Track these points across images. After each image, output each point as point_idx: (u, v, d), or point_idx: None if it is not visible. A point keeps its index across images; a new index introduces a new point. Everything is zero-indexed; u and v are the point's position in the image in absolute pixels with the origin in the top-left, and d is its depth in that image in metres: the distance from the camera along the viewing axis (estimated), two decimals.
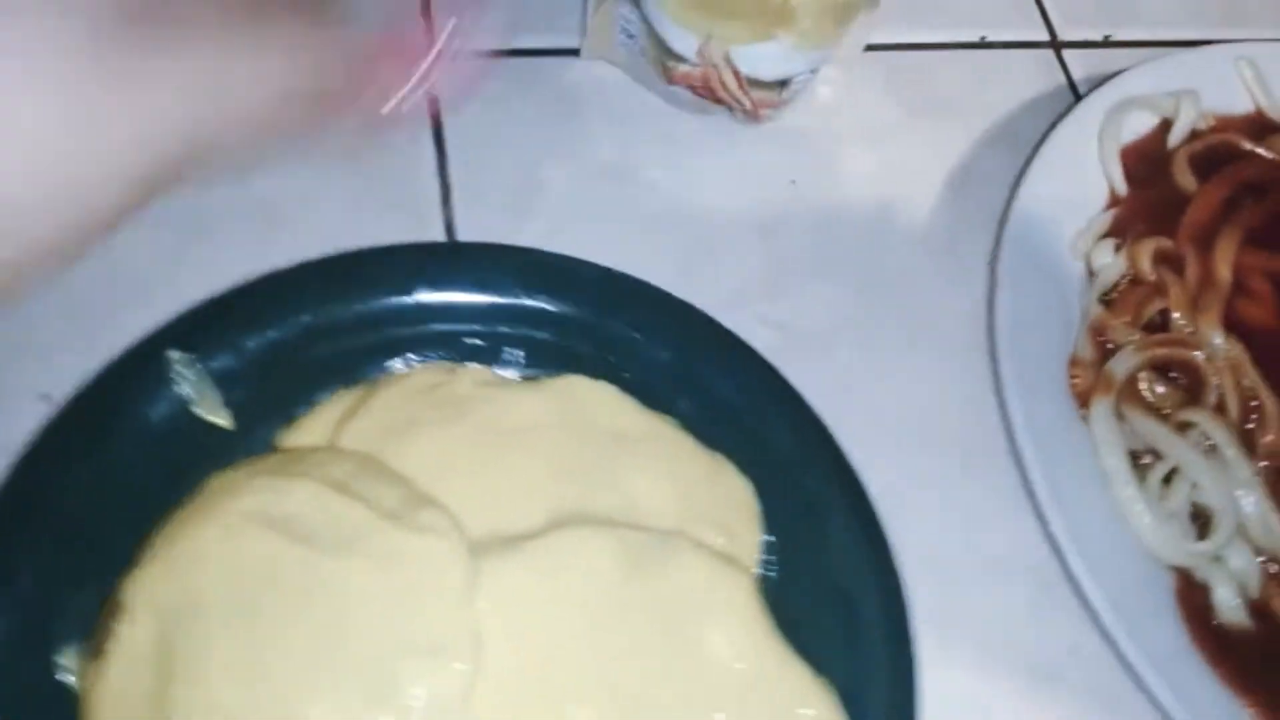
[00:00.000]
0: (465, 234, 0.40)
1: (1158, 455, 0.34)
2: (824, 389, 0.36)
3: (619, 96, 0.43)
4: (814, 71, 0.41)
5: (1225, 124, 0.42)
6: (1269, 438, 0.34)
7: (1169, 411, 0.35)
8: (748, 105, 0.41)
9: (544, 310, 0.36)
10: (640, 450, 0.34)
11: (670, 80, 0.41)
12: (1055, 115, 0.44)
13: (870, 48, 0.44)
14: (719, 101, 0.41)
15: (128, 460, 0.32)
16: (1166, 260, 0.37)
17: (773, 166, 0.43)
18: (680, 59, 0.40)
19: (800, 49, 0.39)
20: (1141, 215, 0.38)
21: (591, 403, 0.35)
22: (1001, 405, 0.35)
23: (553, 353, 0.36)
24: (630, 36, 0.41)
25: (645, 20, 0.40)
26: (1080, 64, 0.48)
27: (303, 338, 0.35)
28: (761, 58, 0.39)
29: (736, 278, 0.40)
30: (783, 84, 0.41)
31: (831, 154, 0.44)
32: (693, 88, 0.41)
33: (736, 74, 0.40)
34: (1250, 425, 0.35)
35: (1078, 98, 0.46)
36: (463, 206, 0.40)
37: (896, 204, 0.42)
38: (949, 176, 0.43)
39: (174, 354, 0.33)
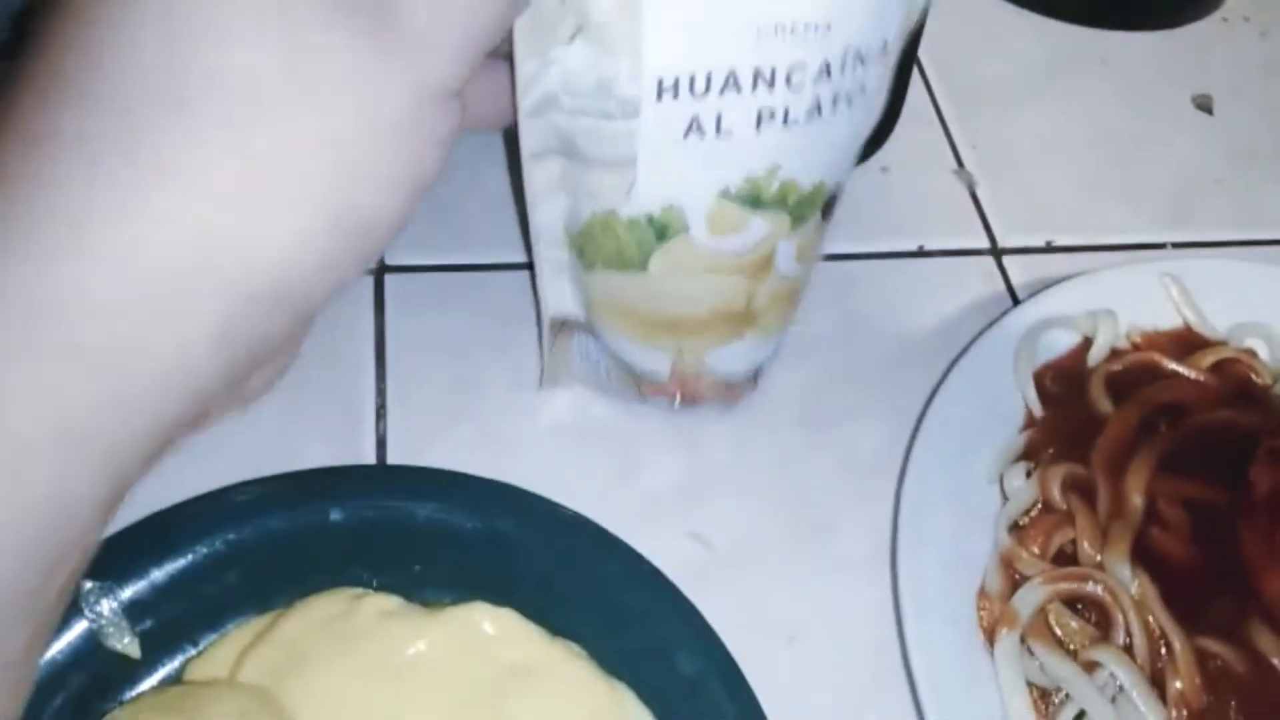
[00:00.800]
0: (396, 447, 0.41)
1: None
2: (734, 607, 0.36)
3: None
4: (779, 348, 0.41)
5: (1152, 341, 0.42)
6: (1178, 684, 0.33)
7: (1077, 648, 0.34)
8: (726, 398, 0.41)
9: (451, 532, 0.37)
10: (538, 683, 0.34)
11: (644, 394, 0.40)
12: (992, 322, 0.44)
13: None
14: (696, 402, 0.41)
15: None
16: (1078, 487, 0.37)
17: None
18: (651, 378, 0.39)
19: (766, 339, 0.39)
20: (1056, 438, 0.38)
21: (491, 632, 0.35)
22: (901, 636, 0.35)
23: (459, 574, 0.36)
24: (593, 363, 0.40)
25: (608, 348, 0.39)
26: (1021, 269, 0.48)
27: (214, 565, 0.36)
28: (733, 357, 0.38)
29: (660, 489, 0.41)
30: (756, 369, 0.41)
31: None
32: (667, 397, 0.40)
33: (711, 377, 0.39)
34: (1162, 664, 0.34)
35: (1016, 303, 0.47)
36: (396, 421, 0.42)
37: (823, 419, 0.43)
38: (879, 387, 0.44)
39: (86, 583, 0.34)
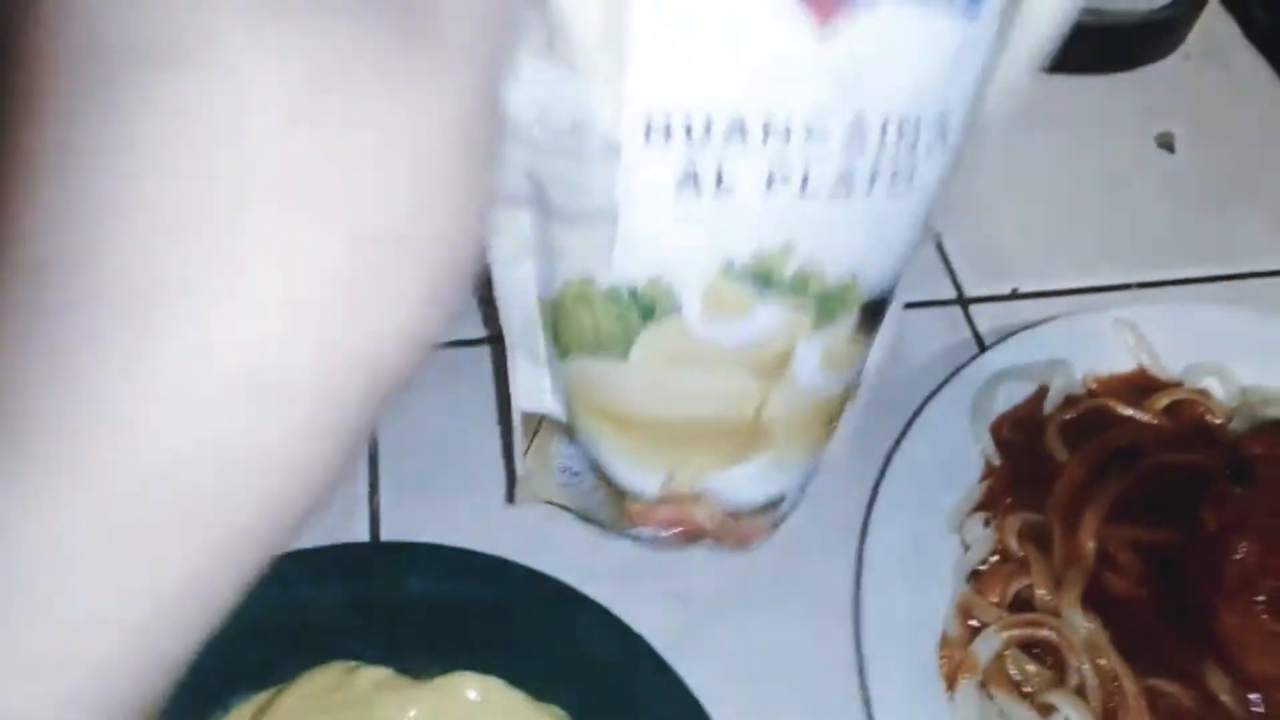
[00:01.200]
0: (389, 523, 0.43)
1: None
2: (710, 661, 0.37)
3: None
4: (805, 487, 0.34)
5: (1106, 386, 0.43)
6: None
7: (1033, 691, 0.36)
8: (734, 538, 0.34)
9: (440, 603, 0.39)
10: None
11: (630, 521, 0.33)
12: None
13: None
14: (697, 538, 0.33)
15: None
16: (1035, 535, 0.38)
17: None
18: (639, 497, 0.32)
19: (784, 466, 0.32)
20: (1013, 487, 0.40)
21: (478, 700, 0.37)
22: (863, 685, 0.36)
23: (447, 644, 0.38)
24: (574, 474, 0.34)
25: (590, 457, 0.32)
26: (987, 317, 0.50)
27: (215, 645, 0.38)
28: (740, 482, 0.31)
29: (636, 550, 0.42)
30: (773, 504, 0.33)
31: None
32: (660, 527, 0.33)
33: (714, 504, 0.32)
34: (1115, 704, 0.35)
35: (983, 351, 0.48)
36: (389, 496, 0.44)
37: None
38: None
39: None
